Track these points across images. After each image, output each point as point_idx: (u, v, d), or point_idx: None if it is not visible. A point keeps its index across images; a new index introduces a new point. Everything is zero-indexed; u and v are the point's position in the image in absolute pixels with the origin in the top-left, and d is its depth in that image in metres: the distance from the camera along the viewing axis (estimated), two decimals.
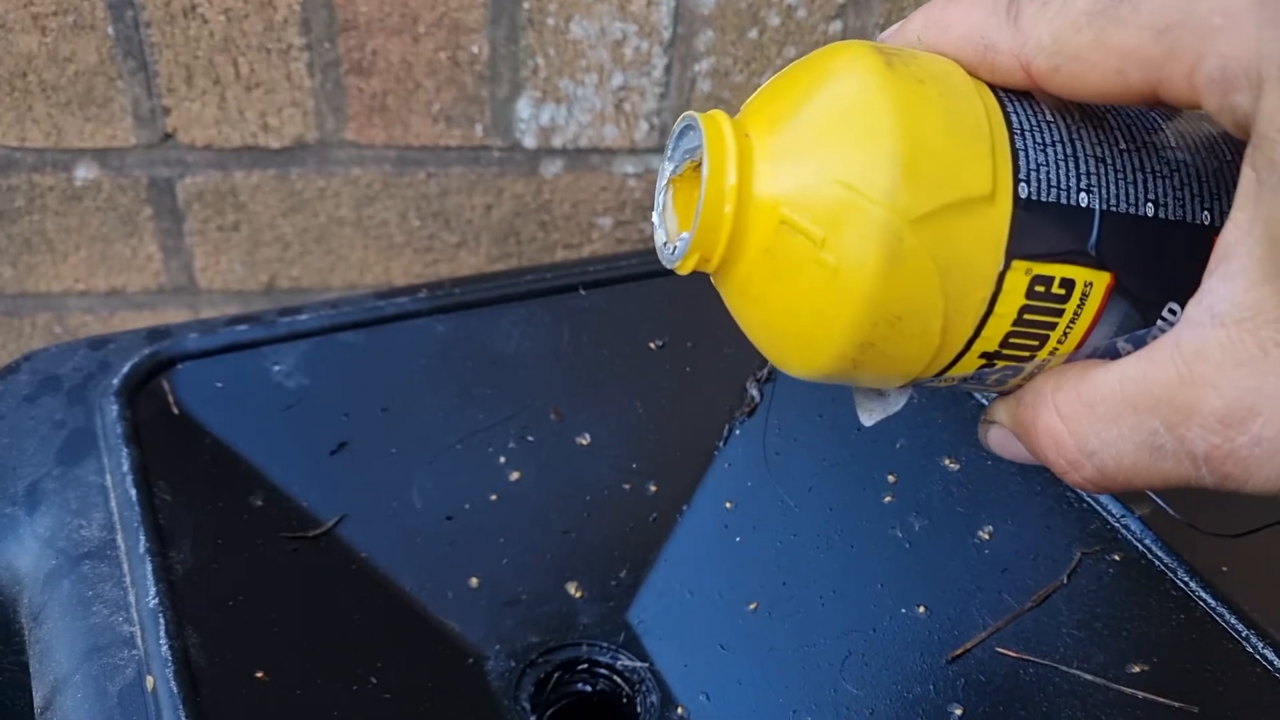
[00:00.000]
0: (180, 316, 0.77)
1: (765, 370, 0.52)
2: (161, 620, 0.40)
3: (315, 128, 0.70)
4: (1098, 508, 0.43)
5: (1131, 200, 0.27)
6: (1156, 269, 0.28)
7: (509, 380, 0.52)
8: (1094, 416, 0.26)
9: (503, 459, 0.50)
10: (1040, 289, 0.27)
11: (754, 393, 0.51)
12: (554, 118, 0.71)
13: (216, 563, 0.44)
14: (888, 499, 0.46)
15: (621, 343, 0.54)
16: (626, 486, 0.50)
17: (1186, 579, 0.41)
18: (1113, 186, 0.27)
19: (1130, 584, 0.41)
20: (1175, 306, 0.27)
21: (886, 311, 0.27)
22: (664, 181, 0.30)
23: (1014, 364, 0.28)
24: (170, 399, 0.49)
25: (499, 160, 0.72)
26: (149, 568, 0.41)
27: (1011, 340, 0.28)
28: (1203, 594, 0.40)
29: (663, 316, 0.55)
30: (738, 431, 0.51)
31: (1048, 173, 0.27)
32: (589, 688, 0.47)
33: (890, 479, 0.47)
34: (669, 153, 0.30)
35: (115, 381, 0.49)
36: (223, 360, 0.51)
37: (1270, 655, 0.38)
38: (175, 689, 0.38)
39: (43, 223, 0.72)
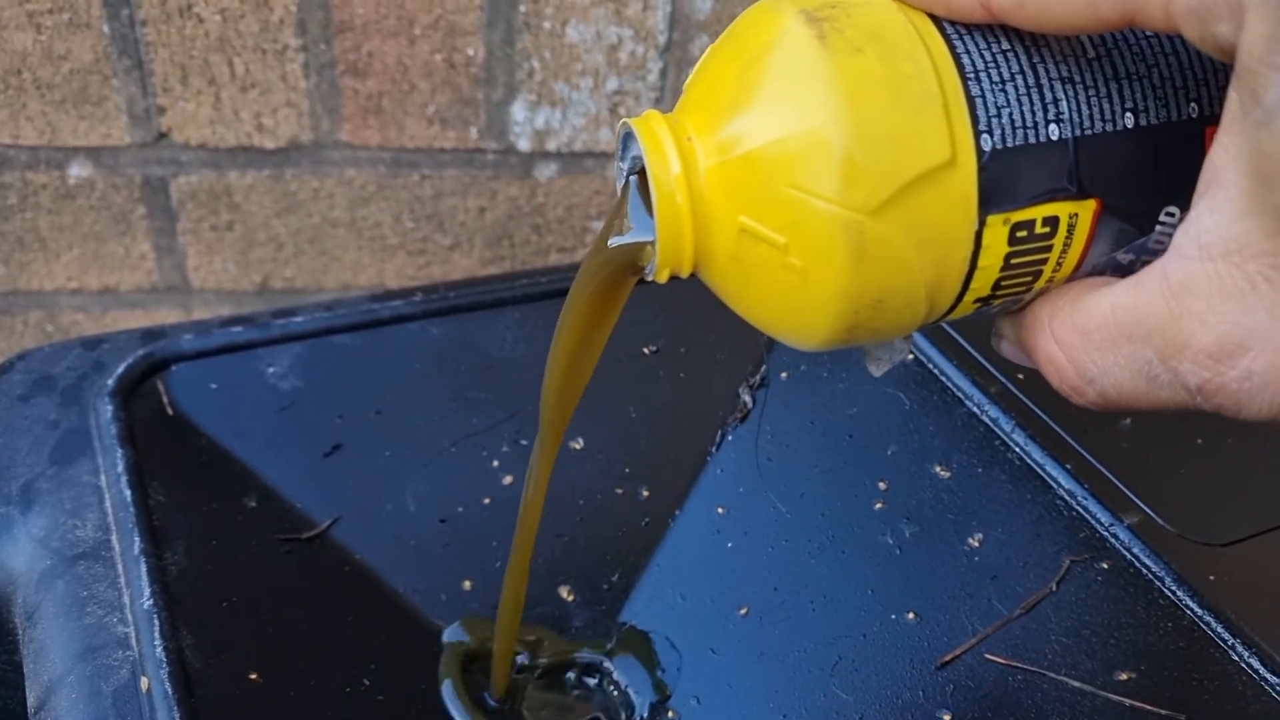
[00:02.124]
0: (173, 316, 0.77)
1: (758, 376, 0.52)
2: (156, 621, 0.40)
3: (310, 128, 0.70)
4: (1087, 516, 0.44)
5: (1108, 116, 0.26)
6: (1145, 181, 0.26)
7: (503, 384, 0.52)
8: (1090, 344, 0.26)
9: (496, 462, 0.50)
10: (1023, 234, 0.26)
11: (746, 398, 0.52)
12: (549, 121, 0.71)
13: (211, 564, 0.44)
14: (879, 505, 0.47)
15: (615, 348, 0.54)
16: (619, 491, 0.50)
17: (1174, 587, 0.41)
18: (1085, 107, 0.25)
19: (1118, 592, 0.41)
20: (1173, 209, 0.26)
21: (865, 299, 0.26)
22: (622, 183, 0.29)
23: (1011, 298, 0.27)
24: (165, 400, 0.49)
25: (493, 163, 0.73)
26: (144, 569, 0.42)
27: (1003, 284, 0.27)
28: (1190, 602, 0.40)
29: (656, 322, 0.55)
30: (730, 437, 0.51)
31: (1010, 114, 0.25)
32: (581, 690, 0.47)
33: (881, 485, 0.47)
34: (620, 154, 0.29)
35: (110, 382, 0.49)
36: (217, 361, 0.51)
37: (1256, 664, 0.39)
38: (170, 690, 0.38)
39: (36, 221, 0.72)
